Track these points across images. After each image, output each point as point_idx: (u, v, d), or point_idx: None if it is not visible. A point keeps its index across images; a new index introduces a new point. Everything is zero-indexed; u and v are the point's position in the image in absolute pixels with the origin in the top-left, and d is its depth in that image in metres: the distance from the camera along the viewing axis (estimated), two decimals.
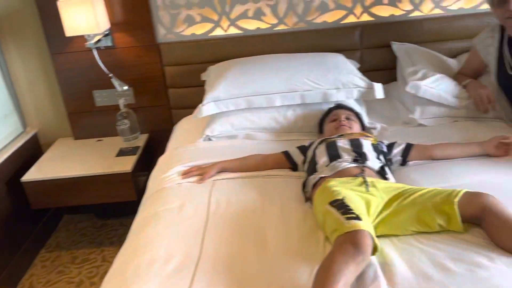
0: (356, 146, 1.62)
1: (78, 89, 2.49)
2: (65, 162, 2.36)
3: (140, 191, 2.30)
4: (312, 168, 1.62)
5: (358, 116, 1.96)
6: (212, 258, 1.27)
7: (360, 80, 2.06)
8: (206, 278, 1.20)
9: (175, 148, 2.05)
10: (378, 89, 2.03)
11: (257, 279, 1.20)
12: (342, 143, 1.65)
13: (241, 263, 1.26)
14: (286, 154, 1.80)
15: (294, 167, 1.78)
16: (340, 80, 2.05)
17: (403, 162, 1.72)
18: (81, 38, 2.33)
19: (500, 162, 1.64)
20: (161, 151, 2.19)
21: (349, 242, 1.15)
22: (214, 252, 1.30)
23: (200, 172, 1.74)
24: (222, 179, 1.71)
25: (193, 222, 1.44)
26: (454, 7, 2.41)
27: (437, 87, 2.02)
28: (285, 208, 1.49)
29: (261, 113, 2.08)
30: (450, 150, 1.71)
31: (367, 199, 1.35)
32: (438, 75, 2.06)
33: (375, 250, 1.20)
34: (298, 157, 1.78)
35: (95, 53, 2.29)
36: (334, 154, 1.60)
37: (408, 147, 1.73)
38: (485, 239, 1.26)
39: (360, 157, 1.57)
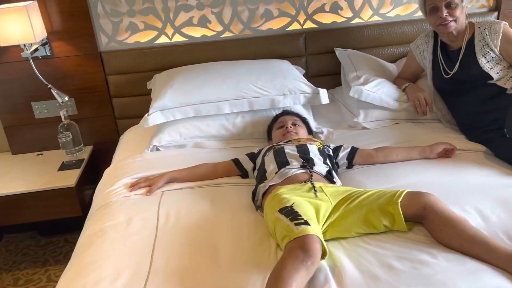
0: (303, 152, 1.65)
1: (15, 101, 2.37)
2: (2, 179, 2.23)
3: (86, 205, 2.22)
4: (262, 175, 1.63)
5: (304, 121, 2.00)
6: (163, 273, 1.25)
7: (305, 86, 2.10)
8: None
9: (121, 160, 1.99)
10: (323, 95, 2.08)
11: None
12: (290, 149, 1.67)
13: (192, 275, 1.24)
14: (236, 161, 1.80)
15: (244, 174, 1.79)
16: (287, 86, 2.08)
17: (349, 165, 1.77)
18: (17, 48, 2.22)
19: (441, 162, 1.73)
20: (107, 163, 2.12)
21: (298, 248, 1.16)
22: (165, 266, 1.27)
23: (148, 184, 1.70)
24: (171, 189, 1.69)
25: (142, 237, 1.40)
26: (392, 14, 2.53)
27: (378, 91, 2.10)
28: (236, 217, 1.49)
29: (209, 121, 2.07)
30: (392, 155, 1.77)
31: (316, 205, 1.38)
32: (379, 80, 2.14)
33: (324, 254, 1.22)
34: (247, 164, 1.79)
35: (32, 63, 2.18)
36: (282, 161, 1.62)
37: (353, 151, 1.78)
38: (427, 236, 1.32)
39: (307, 162, 1.60)
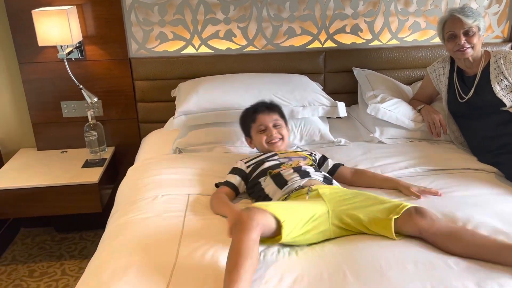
0: (301, 173, 1.67)
1: (45, 99, 2.47)
2: (28, 172, 2.31)
3: (104, 204, 2.29)
4: (266, 199, 1.64)
5: (281, 112, 1.97)
6: (187, 265, 1.30)
7: (324, 99, 2.19)
8: (183, 281, 1.23)
9: (146, 159, 2.07)
10: (341, 107, 2.17)
11: None
12: (287, 172, 1.67)
13: (213, 269, 1.29)
14: (231, 185, 1.74)
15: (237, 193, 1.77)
16: (306, 98, 2.17)
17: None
18: (52, 49, 2.34)
19: (453, 178, 1.80)
20: (126, 164, 2.20)
21: (247, 216, 1.27)
22: (190, 259, 1.32)
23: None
24: (196, 194, 1.73)
25: (169, 231, 1.46)
26: (409, 38, 2.63)
27: (395, 110, 2.18)
28: None
29: (231, 127, 2.15)
30: (368, 181, 1.78)
31: (310, 207, 1.44)
32: (395, 99, 2.23)
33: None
34: (238, 183, 1.75)
35: (66, 64, 2.29)
36: (282, 183, 1.64)
37: (335, 168, 1.84)
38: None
39: (305, 175, 1.65)
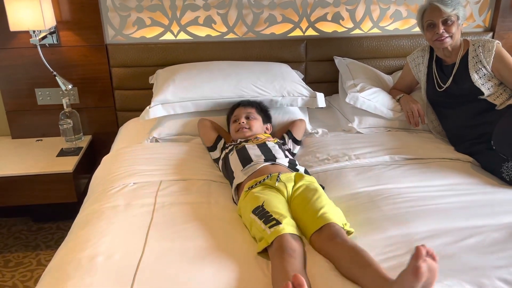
0: (265, 150, 1.76)
1: (19, 86, 2.41)
2: (2, 161, 2.26)
3: (81, 193, 2.26)
4: (230, 175, 1.72)
5: (262, 110, 2.06)
6: (155, 253, 1.29)
7: (304, 89, 2.17)
8: (150, 271, 1.21)
9: (120, 148, 2.04)
10: (320, 98, 2.15)
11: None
12: (251, 147, 1.77)
13: (181, 258, 1.27)
14: (218, 138, 1.96)
15: (212, 148, 1.95)
16: (286, 88, 2.15)
17: (296, 142, 2.01)
18: (25, 34, 2.27)
19: (430, 168, 1.80)
20: (104, 153, 2.15)
21: (276, 250, 1.25)
22: (157, 247, 1.31)
23: None
24: (169, 180, 1.73)
25: (138, 220, 1.44)
26: (391, 27, 2.61)
27: (373, 99, 2.17)
28: (226, 209, 1.56)
29: (208, 117, 2.12)
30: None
31: (282, 195, 1.50)
32: (375, 89, 2.22)
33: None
34: (219, 146, 1.93)
35: (39, 50, 2.23)
36: (246, 159, 1.71)
37: (290, 131, 2.03)
38: None
39: (270, 157, 1.70)
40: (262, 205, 1.40)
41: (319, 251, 1.30)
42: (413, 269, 1.03)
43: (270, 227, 1.30)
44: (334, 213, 1.37)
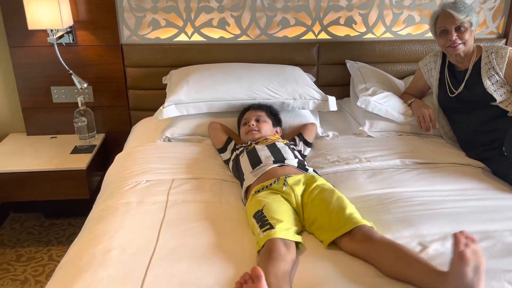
0: (274, 151, 1.77)
1: (36, 84, 2.46)
2: (17, 157, 2.30)
3: (93, 190, 2.29)
4: (241, 177, 1.74)
5: (272, 113, 2.08)
6: (167, 248, 1.31)
7: (315, 92, 2.18)
8: (161, 266, 1.23)
9: (134, 147, 2.07)
10: (332, 102, 2.17)
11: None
12: (261, 149, 1.79)
13: (192, 254, 1.29)
14: (229, 140, 1.98)
15: (222, 150, 1.97)
16: (298, 91, 2.16)
17: (307, 145, 2.02)
18: (43, 33, 2.32)
19: (442, 173, 1.80)
20: (117, 151, 2.19)
21: (264, 253, 1.27)
22: (169, 243, 1.33)
23: None
24: (181, 178, 1.75)
25: (151, 216, 1.47)
26: (403, 32, 2.62)
27: (385, 103, 2.18)
28: (236, 208, 1.58)
29: (221, 118, 2.15)
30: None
31: (289, 200, 1.49)
32: (386, 93, 2.23)
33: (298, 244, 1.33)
34: (230, 149, 1.95)
35: (56, 48, 2.27)
36: (255, 160, 1.73)
37: (301, 134, 2.05)
38: None
39: (280, 159, 1.72)
40: (262, 210, 1.41)
41: (354, 254, 1.28)
42: (459, 256, 1.06)
43: (264, 231, 1.33)
44: (359, 214, 1.39)
